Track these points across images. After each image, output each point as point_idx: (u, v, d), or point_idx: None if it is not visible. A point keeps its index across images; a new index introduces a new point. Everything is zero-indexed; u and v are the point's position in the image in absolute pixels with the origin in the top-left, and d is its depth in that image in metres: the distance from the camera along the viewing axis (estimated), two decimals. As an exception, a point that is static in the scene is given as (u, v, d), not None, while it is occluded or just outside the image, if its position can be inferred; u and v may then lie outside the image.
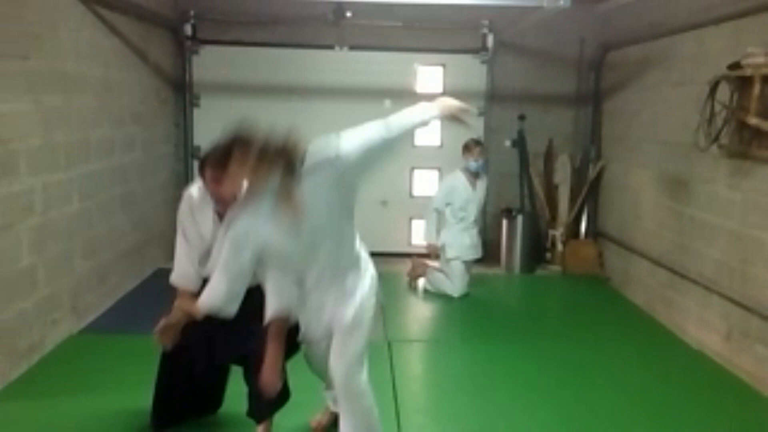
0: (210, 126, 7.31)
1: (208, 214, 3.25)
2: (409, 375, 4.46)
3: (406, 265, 6.72)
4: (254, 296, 2.94)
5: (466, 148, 6.09)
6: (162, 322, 3.15)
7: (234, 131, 2.62)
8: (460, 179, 6.16)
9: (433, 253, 6.21)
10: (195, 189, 3.32)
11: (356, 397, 2.95)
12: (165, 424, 3.52)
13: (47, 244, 4.49)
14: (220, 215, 3.18)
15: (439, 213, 6.17)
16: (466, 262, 6.18)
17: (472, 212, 6.16)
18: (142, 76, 6.29)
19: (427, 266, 6.35)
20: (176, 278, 3.36)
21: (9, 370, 4.06)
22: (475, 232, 6.26)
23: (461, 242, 6.14)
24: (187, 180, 7.38)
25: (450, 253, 6.13)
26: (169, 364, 3.44)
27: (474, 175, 6.16)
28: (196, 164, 7.36)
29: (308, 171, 2.64)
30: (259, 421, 3.34)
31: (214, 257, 3.12)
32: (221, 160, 2.71)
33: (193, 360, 3.38)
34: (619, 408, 4.03)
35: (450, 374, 4.54)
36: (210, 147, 3.06)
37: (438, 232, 6.18)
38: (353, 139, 2.68)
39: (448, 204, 6.12)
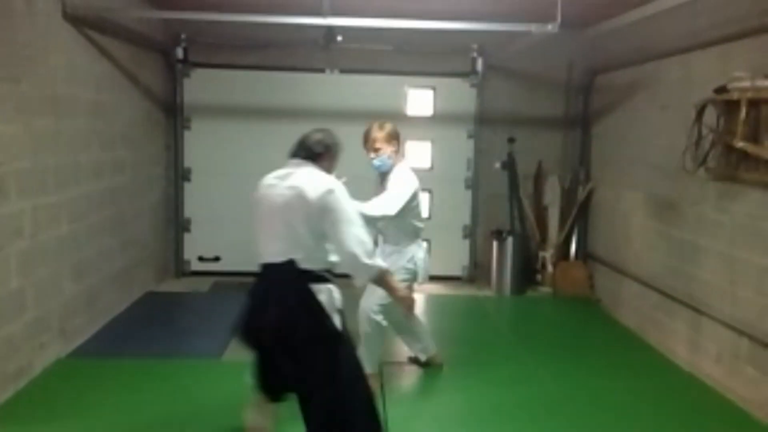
0: (201, 148, 7.35)
1: None
2: (400, 399, 4.42)
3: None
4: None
5: None
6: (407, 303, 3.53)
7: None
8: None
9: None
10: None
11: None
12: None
13: (36, 267, 4.46)
14: None
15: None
16: None
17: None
18: (133, 99, 6.30)
19: None
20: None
21: (-4, 394, 4.02)
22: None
23: None
24: (177, 202, 7.38)
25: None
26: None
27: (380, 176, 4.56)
28: (186, 186, 7.38)
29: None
30: None
31: None
32: None
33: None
34: None
35: (440, 397, 4.51)
36: None
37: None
38: None
39: None
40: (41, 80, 4.50)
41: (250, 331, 3.18)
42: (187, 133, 7.36)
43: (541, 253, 7.48)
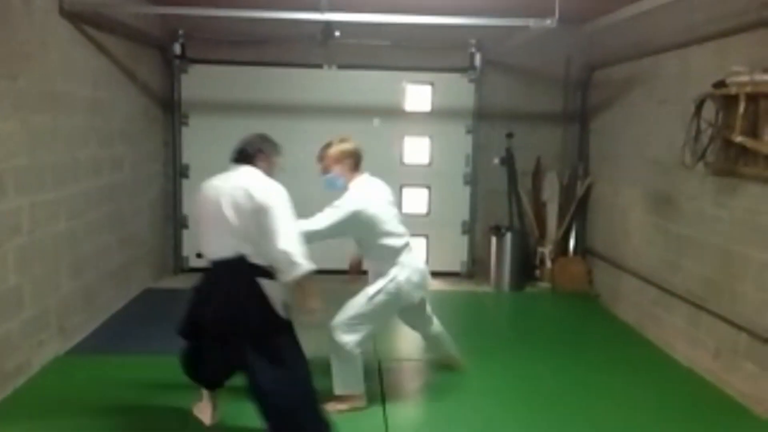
0: (199, 144, 7.33)
1: None
2: (400, 394, 4.43)
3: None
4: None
5: None
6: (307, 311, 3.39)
7: None
8: None
9: None
10: None
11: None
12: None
13: (34, 264, 4.46)
14: None
15: None
16: None
17: None
18: (130, 95, 6.28)
19: None
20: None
21: (-6, 392, 4.02)
22: None
23: None
24: (175, 198, 7.37)
25: None
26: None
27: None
28: (184, 183, 7.36)
29: None
30: None
31: None
32: None
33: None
34: (610, 427, 4.03)
35: (440, 393, 4.51)
36: None
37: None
38: None
39: None
40: (38, 77, 4.49)
41: (193, 325, 3.48)
42: (185, 130, 7.35)
43: (539, 249, 7.48)
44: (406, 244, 4.22)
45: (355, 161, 4.15)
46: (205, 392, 3.79)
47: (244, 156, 3.53)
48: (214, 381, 3.74)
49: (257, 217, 3.22)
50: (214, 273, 3.40)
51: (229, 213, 3.26)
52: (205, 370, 3.66)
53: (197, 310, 3.47)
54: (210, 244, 3.41)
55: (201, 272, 3.57)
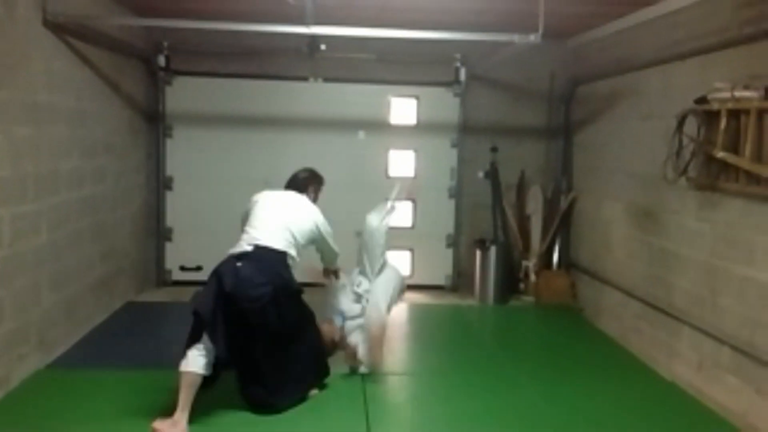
0: (182, 156, 7.30)
1: None
2: (383, 409, 4.40)
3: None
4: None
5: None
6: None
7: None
8: None
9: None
10: None
11: None
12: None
13: (14, 277, 4.39)
14: None
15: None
16: None
17: None
18: (114, 106, 6.24)
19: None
20: None
21: (-28, 407, 3.95)
22: None
23: None
24: (158, 211, 7.32)
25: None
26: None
27: None
28: (168, 195, 7.32)
29: None
30: None
31: None
32: None
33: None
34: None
35: (424, 408, 4.50)
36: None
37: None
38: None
39: None
40: (21, 88, 4.45)
41: (238, 299, 3.96)
42: (169, 141, 7.31)
43: (524, 262, 7.49)
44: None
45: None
46: (180, 404, 3.85)
47: (297, 184, 4.59)
48: (224, 362, 4.01)
49: (312, 234, 4.38)
50: (258, 253, 4.08)
51: (290, 219, 4.26)
52: (221, 346, 3.94)
53: (246, 284, 3.97)
54: (263, 233, 4.16)
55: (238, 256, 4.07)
